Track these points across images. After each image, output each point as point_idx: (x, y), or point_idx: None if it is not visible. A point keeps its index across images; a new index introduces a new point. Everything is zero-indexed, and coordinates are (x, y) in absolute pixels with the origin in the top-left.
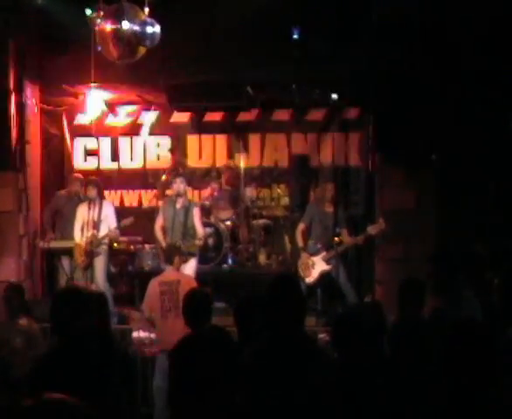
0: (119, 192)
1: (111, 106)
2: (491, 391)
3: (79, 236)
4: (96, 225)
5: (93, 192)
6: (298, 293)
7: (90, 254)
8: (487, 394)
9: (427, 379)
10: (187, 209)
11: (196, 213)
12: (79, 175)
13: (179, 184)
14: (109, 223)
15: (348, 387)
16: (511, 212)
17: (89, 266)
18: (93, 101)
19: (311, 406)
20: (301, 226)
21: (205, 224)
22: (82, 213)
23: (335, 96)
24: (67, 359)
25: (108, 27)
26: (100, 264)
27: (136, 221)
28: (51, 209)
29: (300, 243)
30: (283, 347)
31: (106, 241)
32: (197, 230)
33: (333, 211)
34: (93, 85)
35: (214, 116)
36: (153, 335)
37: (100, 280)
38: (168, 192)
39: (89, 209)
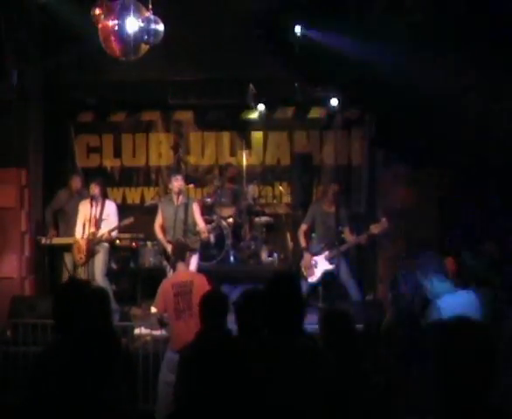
0: (121, 189)
1: None
2: (490, 392)
3: (81, 233)
4: (97, 223)
5: (95, 190)
6: (297, 292)
7: (89, 252)
8: (484, 394)
9: (424, 378)
10: (186, 206)
11: (195, 208)
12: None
13: (179, 182)
14: (111, 222)
15: (343, 386)
16: None
17: (87, 263)
18: None
19: (309, 406)
20: (303, 227)
21: (207, 221)
22: (84, 210)
23: (334, 101)
24: (68, 355)
25: (112, 24)
26: (99, 261)
27: (138, 218)
28: (52, 208)
29: (302, 243)
30: (281, 346)
31: (104, 238)
32: (199, 224)
33: (334, 211)
34: None
35: (216, 114)
36: (157, 332)
37: (98, 277)
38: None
39: (91, 206)
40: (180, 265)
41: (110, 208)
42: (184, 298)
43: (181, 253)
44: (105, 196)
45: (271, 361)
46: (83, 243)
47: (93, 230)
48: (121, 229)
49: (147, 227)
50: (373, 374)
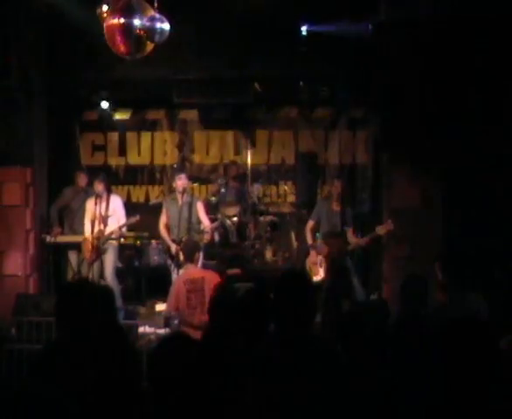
0: (126, 187)
1: None
2: (491, 392)
3: (89, 231)
4: (104, 220)
5: (99, 187)
6: (308, 291)
7: (97, 250)
8: (486, 395)
9: (426, 377)
10: (190, 205)
11: (199, 207)
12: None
13: (182, 180)
14: (118, 217)
15: (350, 386)
16: None
17: (96, 261)
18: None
19: (319, 407)
20: (310, 223)
21: (212, 220)
22: (90, 208)
23: (339, 100)
24: (70, 353)
25: (117, 23)
26: (109, 259)
27: (143, 216)
28: (57, 206)
29: (309, 240)
30: (291, 347)
31: (114, 236)
32: (204, 223)
33: (340, 210)
34: None
35: (221, 112)
36: (162, 331)
37: (109, 276)
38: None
39: (96, 203)
40: (189, 265)
41: (116, 202)
42: (197, 294)
43: (189, 254)
44: (109, 192)
45: (282, 360)
46: (91, 242)
47: (100, 227)
48: (126, 227)
49: (151, 225)
50: (378, 371)
